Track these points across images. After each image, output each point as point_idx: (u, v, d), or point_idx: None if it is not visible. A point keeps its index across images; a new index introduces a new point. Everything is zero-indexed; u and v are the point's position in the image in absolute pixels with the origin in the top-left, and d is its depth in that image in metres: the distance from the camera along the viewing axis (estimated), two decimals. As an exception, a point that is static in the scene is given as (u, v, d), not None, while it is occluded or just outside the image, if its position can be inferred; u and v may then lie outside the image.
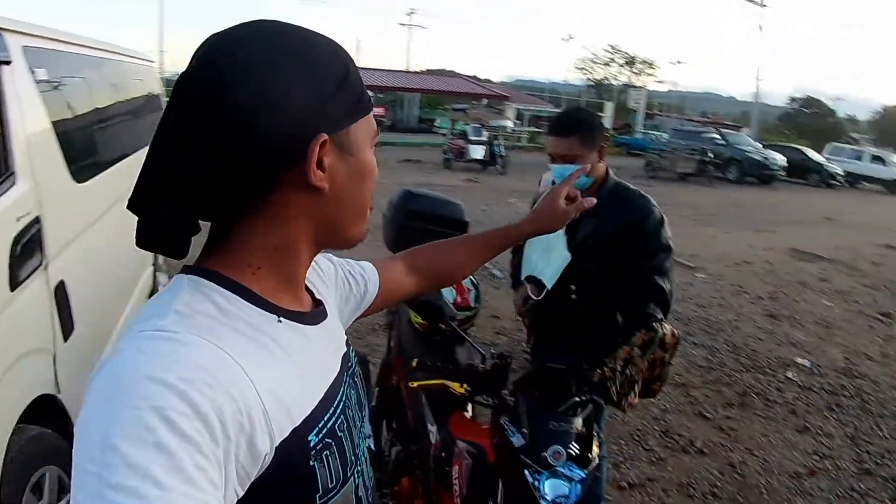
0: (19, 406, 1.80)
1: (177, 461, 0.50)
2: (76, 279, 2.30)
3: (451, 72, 54.73)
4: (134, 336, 0.59)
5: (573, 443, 1.58)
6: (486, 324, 5.15)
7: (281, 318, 0.69)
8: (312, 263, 0.78)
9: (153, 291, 4.13)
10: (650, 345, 2.11)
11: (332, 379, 0.75)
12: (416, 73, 36.34)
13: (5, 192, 1.86)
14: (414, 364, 1.91)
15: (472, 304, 2.75)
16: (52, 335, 2.09)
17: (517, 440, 1.63)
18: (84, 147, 2.80)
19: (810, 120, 50.09)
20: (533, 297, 2.35)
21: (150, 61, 4.94)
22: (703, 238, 9.90)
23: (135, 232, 0.66)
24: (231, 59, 0.62)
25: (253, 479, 0.60)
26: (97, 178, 2.81)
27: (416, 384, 1.94)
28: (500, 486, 1.69)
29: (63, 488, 1.97)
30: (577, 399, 1.70)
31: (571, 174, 1.23)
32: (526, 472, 1.55)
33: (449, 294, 2.66)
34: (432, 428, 2.20)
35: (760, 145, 22.74)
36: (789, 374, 4.85)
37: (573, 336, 2.32)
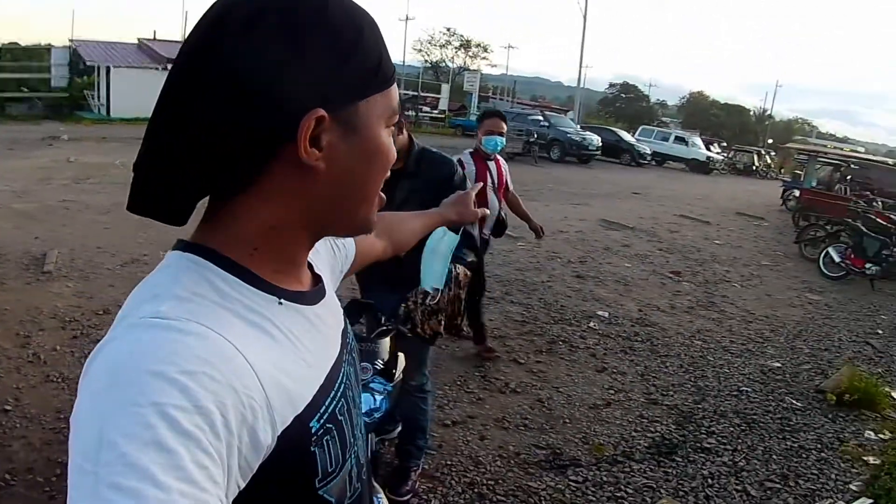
0: None
1: (176, 459, 0.48)
2: None
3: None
4: (133, 323, 0.57)
5: (379, 360, 1.87)
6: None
7: (282, 301, 0.66)
8: None
9: None
10: (447, 280, 2.48)
11: (333, 361, 0.74)
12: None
13: None
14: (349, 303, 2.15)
15: None
16: None
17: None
18: None
19: (627, 104, 55.10)
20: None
21: None
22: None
23: (127, 195, 0.64)
24: (227, 24, 0.59)
25: (255, 469, 0.58)
26: None
27: None
28: None
29: None
30: (385, 327, 1.99)
31: (474, 187, 1.49)
32: None
33: None
34: None
35: (579, 127, 24.77)
36: (591, 325, 5.57)
37: (393, 277, 2.63)
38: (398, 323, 2.26)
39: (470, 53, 46.85)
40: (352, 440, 0.72)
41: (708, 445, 3.69)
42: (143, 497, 0.46)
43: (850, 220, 9.07)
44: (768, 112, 58.04)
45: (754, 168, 28.16)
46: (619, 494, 3.13)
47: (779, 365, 5.14)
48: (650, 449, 3.59)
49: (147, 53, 25.32)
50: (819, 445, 3.84)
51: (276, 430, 0.59)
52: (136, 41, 27.45)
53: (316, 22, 0.60)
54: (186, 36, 0.62)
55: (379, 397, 1.82)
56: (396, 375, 1.90)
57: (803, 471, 3.53)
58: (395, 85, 0.68)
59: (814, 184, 13.39)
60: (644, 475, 3.32)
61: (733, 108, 57.05)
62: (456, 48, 46.59)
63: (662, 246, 9.53)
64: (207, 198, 0.66)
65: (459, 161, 3.95)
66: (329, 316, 0.77)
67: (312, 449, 0.65)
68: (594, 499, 3.09)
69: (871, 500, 3.28)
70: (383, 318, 2.04)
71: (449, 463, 3.25)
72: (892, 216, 9.78)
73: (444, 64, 45.71)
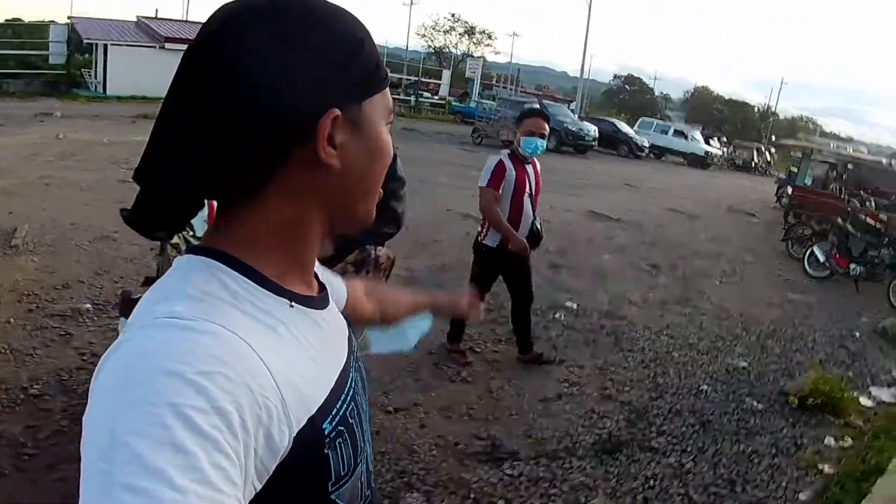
0: None
1: (193, 461, 0.48)
2: None
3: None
4: (148, 322, 0.57)
5: None
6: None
7: (293, 303, 0.67)
8: None
9: None
10: (363, 264, 2.43)
11: (342, 365, 0.74)
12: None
13: None
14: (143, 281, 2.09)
15: None
16: None
17: None
18: None
19: (631, 96, 54.75)
20: None
21: None
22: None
23: (129, 209, 0.65)
24: (238, 30, 0.60)
25: (271, 472, 0.57)
26: None
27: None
28: None
29: None
30: None
31: (470, 298, 1.42)
32: None
33: (200, 225, 2.77)
34: None
35: (577, 117, 24.55)
36: (557, 315, 5.48)
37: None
38: None
39: (474, 40, 46.49)
40: (362, 444, 0.72)
41: (656, 445, 3.60)
42: (158, 498, 0.46)
43: (836, 219, 8.93)
44: (772, 109, 57.64)
45: (753, 164, 27.93)
46: (552, 491, 3.05)
47: (745, 365, 5.04)
48: (595, 445, 3.50)
49: (145, 31, 25.13)
50: (774, 451, 3.73)
51: (292, 431, 0.59)
52: (135, 19, 27.23)
53: (324, 27, 0.62)
54: (192, 43, 0.63)
55: None
56: None
57: (753, 477, 3.43)
58: (388, 85, 0.70)
59: (807, 181, 13.24)
60: (583, 472, 3.23)
61: (737, 103, 56.72)
62: (460, 34, 46.25)
63: (646, 239, 9.41)
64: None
65: (500, 163, 3.92)
66: (335, 322, 0.78)
67: (326, 451, 0.64)
68: (525, 494, 3.01)
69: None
70: None
71: (383, 450, 3.17)
72: (882, 216, 9.63)
73: (447, 50, 45.35)
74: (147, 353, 0.53)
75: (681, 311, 6.20)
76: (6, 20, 28.37)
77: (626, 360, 4.77)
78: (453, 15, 47.88)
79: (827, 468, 3.60)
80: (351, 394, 0.73)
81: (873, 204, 11.59)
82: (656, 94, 58.95)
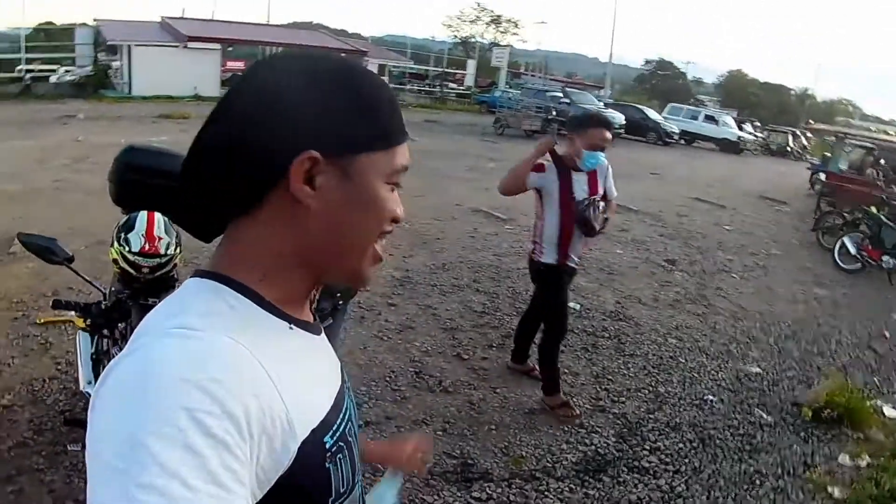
0: None
1: (205, 462, 0.51)
2: None
3: (318, 25, 52.74)
4: (161, 333, 0.59)
5: None
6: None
7: (292, 326, 0.70)
8: None
9: None
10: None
11: (338, 388, 0.77)
12: (275, 26, 34.70)
13: None
14: (52, 303, 2.26)
15: (163, 252, 2.68)
16: None
17: None
18: None
19: (663, 82, 53.34)
20: None
21: None
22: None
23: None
24: (253, 72, 0.69)
25: (273, 483, 0.59)
26: None
27: (42, 320, 2.12)
28: None
29: None
30: None
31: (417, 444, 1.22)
32: None
33: (137, 240, 2.62)
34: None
35: (602, 104, 23.91)
36: (556, 317, 5.17)
37: None
38: None
39: (500, 29, 45.76)
40: (359, 465, 0.75)
41: (647, 464, 3.31)
42: (172, 497, 0.49)
43: (867, 208, 8.40)
44: (810, 92, 55.64)
45: (789, 149, 26.87)
46: (521, 519, 2.79)
47: (758, 371, 4.69)
48: (577, 465, 3.23)
49: (169, 32, 25.35)
50: (779, 471, 3.40)
51: (297, 442, 0.62)
52: (160, 19, 27.50)
53: (331, 82, 0.67)
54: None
55: None
56: None
57: (751, 501, 3.11)
58: (403, 146, 0.72)
59: (842, 167, 12.53)
60: (559, 496, 2.97)
61: (773, 87, 54.78)
62: (486, 24, 45.56)
63: (665, 231, 9.00)
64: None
65: (540, 165, 3.43)
66: (328, 351, 0.80)
67: (327, 465, 0.67)
68: (492, 522, 2.76)
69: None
70: None
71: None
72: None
73: (473, 40, 44.80)
74: (164, 361, 0.56)
75: (694, 310, 5.84)
76: (39, 24, 28.94)
77: (625, 367, 4.45)
78: (479, 4, 46.89)
79: (837, 492, 3.25)
80: (348, 415, 0.75)
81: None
82: (689, 78, 57.34)
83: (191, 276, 0.70)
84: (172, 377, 0.54)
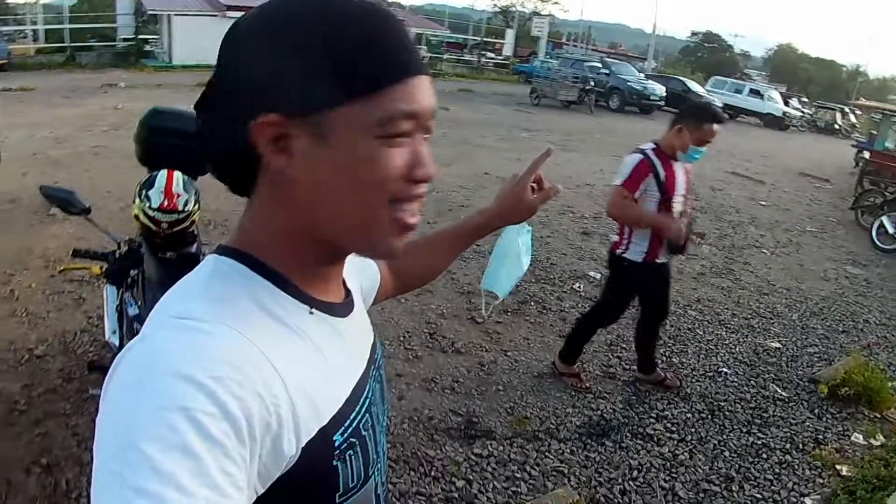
0: None
1: (202, 465, 0.49)
2: None
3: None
4: (164, 322, 0.57)
5: None
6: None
7: (313, 310, 0.66)
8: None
9: None
10: None
11: (360, 375, 0.72)
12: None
13: None
14: (71, 252, 2.40)
15: (181, 208, 2.76)
16: None
17: (132, 310, 2.14)
18: None
19: (709, 54, 51.80)
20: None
21: None
22: (556, 161, 10.21)
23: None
24: (230, 32, 0.63)
25: (275, 478, 0.58)
26: None
27: (62, 267, 2.31)
28: None
29: None
30: None
31: (536, 160, 1.06)
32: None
33: (157, 197, 2.70)
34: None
35: (643, 76, 23.34)
36: (577, 286, 5.18)
37: None
38: None
39: (541, -3, 44.86)
40: (374, 457, 0.71)
41: (652, 431, 3.32)
42: (167, 502, 0.46)
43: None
44: (862, 69, 53.30)
45: (837, 126, 25.91)
46: (519, 475, 2.84)
47: (778, 346, 4.62)
48: (581, 428, 3.26)
49: (208, 0, 25.52)
50: (788, 446, 3.37)
51: (301, 442, 0.59)
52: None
53: (294, 28, 0.59)
54: None
55: None
56: None
57: (755, 474, 3.10)
58: (400, 88, 0.59)
59: (889, 146, 12.06)
60: (559, 456, 3.01)
61: (823, 62, 52.72)
62: (527, -8, 44.68)
63: (697, 205, 8.77)
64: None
65: (642, 162, 3.19)
66: (358, 330, 0.76)
67: (335, 463, 0.64)
68: (490, 476, 2.82)
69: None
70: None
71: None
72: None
73: (513, 9, 44.00)
74: (160, 355, 0.53)
75: (719, 284, 5.76)
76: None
77: (640, 337, 4.43)
78: (520, -28, 45.96)
79: (845, 470, 3.22)
80: (367, 405, 0.71)
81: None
82: (736, 51, 55.49)
83: (212, 252, 0.66)
84: (168, 373, 0.51)
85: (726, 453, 3.23)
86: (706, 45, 53.39)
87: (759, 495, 2.95)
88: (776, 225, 8.37)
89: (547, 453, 3.02)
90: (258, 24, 0.60)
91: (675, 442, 3.25)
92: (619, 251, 3.42)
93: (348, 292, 0.76)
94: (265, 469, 0.56)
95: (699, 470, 3.07)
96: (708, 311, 5.09)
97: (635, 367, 3.91)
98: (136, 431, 0.49)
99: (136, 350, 0.55)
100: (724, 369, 4.12)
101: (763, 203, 9.66)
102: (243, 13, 0.63)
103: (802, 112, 27.24)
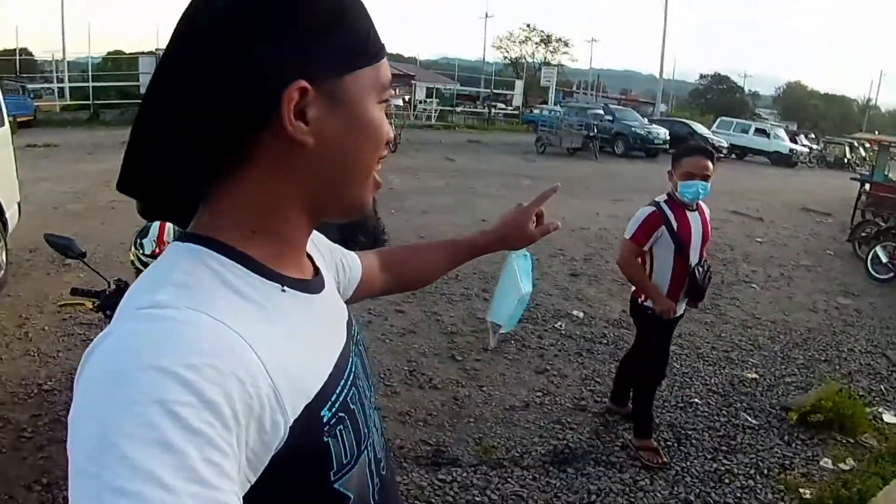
0: None
1: (184, 459, 0.47)
2: None
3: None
4: (130, 315, 0.55)
5: None
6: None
7: (285, 287, 0.65)
8: (310, 239, 0.74)
9: None
10: None
11: (340, 349, 0.72)
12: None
13: None
14: (70, 290, 2.74)
15: None
16: None
17: None
18: None
19: (719, 95, 52.36)
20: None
21: None
22: (552, 206, 10.23)
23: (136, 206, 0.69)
24: (209, 2, 0.60)
25: (266, 464, 0.56)
26: None
27: (61, 303, 2.94)
28: None
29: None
30: None
31: (543, 194, 1.16)
32: None
33: (149, 245, 3.00)
34: None
35: (646, 120, 23.77)
36: (558, 325, 5.34)
37: None
38: None
39: (550, 48, 46.08)
40: (366, 431, 0.71)
41: (615, 459, 3.45)
42: (150, 501, 0.44)
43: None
44: (873, 102, 53.44)
45: (846, 161, 25.98)
46: (479, 499, 3.00)
47: (755, 376, 4.72)
48: (545, 456, 3.40)
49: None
50: (752, 471, 3.46)
51: (288, 421, 0.57)
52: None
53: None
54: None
55: None
56: None
57: (715, 498, 3.19)
58: (384, 60, 0.68)
59: (891, 176, 12.12)
60: (521, 482, 3.16)
61: (834, 98, 53.08)
62: (536, 44, 45.97)
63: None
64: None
65: (653, 214, 3.24)
66: (332, 306, 0.77)
67: (326, 439, 0.63)
68: (451, 500, 2.98)
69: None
70: None
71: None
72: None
73: (523, 60, 45.18)
74: (130, 349, 0.51)
75: (702, 318, 5.88)
76: (108, 53, 30.76)
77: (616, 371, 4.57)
78: (528, 25, 47.48)
79: (808, 493, 3.31)
80: (352, 378, 0.71)
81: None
82: (746, 92, 56.07)
83: (175, 239, 0.65)
84: (141, 367, 0.49)
85: (688, 479, 3.34)
86: (716, 86, 54.08)
87: (715, 517, 3.05)
88: (770, 260, 8.47)
89: (509, 479, 3.17)
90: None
91: (637, 469, 3.37)
92: (640, 299, 3.40)
93: (317, 270, 0.76)
94: (253, 455, 0.54)
95: (658, 494, 3.18)
96: (688, 345, 5.21)
97: (607, 398, 4.05)
98: (110, 429, 0.47)
99: (104, 346, 0.52)
100: (696, 400, 4.24)
101: (759, 240, 9.77)
102: None
103: (811, 148, 27.38)
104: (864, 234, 9.12)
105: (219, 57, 0.58)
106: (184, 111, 0.59)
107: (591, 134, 19.88)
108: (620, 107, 26.62)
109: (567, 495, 3.09)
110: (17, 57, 29.86)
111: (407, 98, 27.88)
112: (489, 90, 35.60)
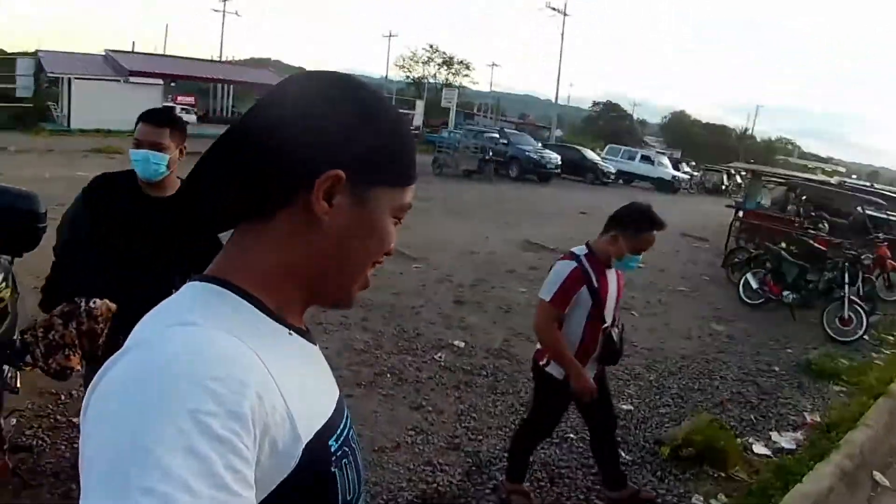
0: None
1: (209, 465, 0.50)
2: None
3: (276, 61, 52.94)
4: (158, 330, 0.59)
5: None
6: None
7: (291, 332, 0.71)
8: None
9: None
10: (71, 316, 2.21)
11: (338, 396, 0.78)
12: (224, 62, 34.78)
13: None
14: None
15: None
16: None
17: None
18: None
19: (610, 123, 55.09)
20: None
21: None
22: (443, 229, 10.39)
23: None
24: (286, 86, 0.71)
25: (277, 483, 0.59)
26: None
27: None
28: None
29: None
30: None
31: None
32: None
33: None
34: None
35: (540, 145, 24.58)
36: (438, 356, 5.16)
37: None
38: (13, 356, 2.42)
39: (452, 70, 46.77)
40: (361, 474, 0.74)
41: (486, 502, 3.27)
42: (175, 502, 0.48)
43: (770, 245, 8.69)
44: (749, 132, 58.19)
45: (724, 187, 27.94)
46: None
47: (630, 408, 4.72)
48: (412, 502, 3.18)
49: (111, 65, 25.14)
50: (621, 509, 3.39)
51: (301, 443, 0.62)
52: (104, 52, 27.25)
53: (366, 110, 0.70)
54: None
55: None
56: None
57: (583, 536, 3.10)
58: (413, 186, 0.76)
59: (764, 203, 12.97)
60: (381, 538, 2.91)
61: (715, 127, 57.34)
62: (438, 65, 46.51)
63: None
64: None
65: (575, 270, 2.90)
66: (324, 360, 0.82)
67: (333, 470, 0.67)
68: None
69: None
70: None
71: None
72: (833, 240, 9.32)
73: (425, 80, 45.56)
74: (166, 359, 0.55)
75: (584, 346, 5.89)
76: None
77: (493, 405, 4.43)
78: (431, 46, 47.86)
79: (675, 530, 3.26)
80: (349, 422, 0.76)
81: (826, 227, 11.34)
82: (635, 119, 59.41)
83: (188, 281, 0.70)
84: (173, 376, 0.53)
85: (557, 522, 3.22)
86: (607, 113, 56.88)
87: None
88: (650, 286, 8.73)
89: (368, 536, 2.91)
90: (333, 90, 0.70)
91: (506, 513, 3.21)
92: (542, 363, 3.10)
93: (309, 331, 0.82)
94: (261, 474, 0.57)
95: (525, 542, 3.03)
96: (568, 375, 5.16)
97: (481, 437, 3.88)
98: (143, 433, 0.50)
99: (129, 359, 0.56)
100: (571, 435, 4.15)
101: (641, 265, 10.08)
102: (308, 74, 0.76)
103: (691, 175, 29.23)
104: (736, 261, 9.62)
105: (282, 132, 0.66)
106: (243, 164, 0.68)
107: (487, 157, 20.21)
108: (516, 131, 27.32)
109: (430, 550, 2.87)
110: None
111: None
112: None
